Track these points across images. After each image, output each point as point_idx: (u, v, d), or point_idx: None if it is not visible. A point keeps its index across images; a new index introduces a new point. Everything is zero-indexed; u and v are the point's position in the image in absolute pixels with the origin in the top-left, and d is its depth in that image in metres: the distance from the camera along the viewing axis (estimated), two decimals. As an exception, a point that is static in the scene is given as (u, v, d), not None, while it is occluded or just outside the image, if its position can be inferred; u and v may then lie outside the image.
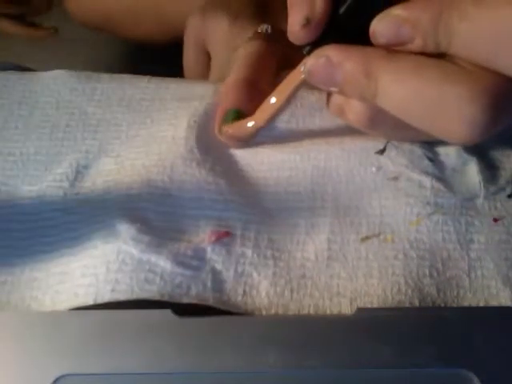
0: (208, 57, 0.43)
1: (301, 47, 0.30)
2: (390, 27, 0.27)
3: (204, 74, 0.45)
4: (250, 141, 0.35)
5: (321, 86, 0.30)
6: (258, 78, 0.36)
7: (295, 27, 0.29)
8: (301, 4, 0.29)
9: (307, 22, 0.29)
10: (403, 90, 0.27)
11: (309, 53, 0.30)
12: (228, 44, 0.39)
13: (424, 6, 0.26)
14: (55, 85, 0.39)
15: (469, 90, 0.26)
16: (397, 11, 0.27)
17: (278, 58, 0.38)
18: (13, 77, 0.40)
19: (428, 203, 0.32)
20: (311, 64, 0.30)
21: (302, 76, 0.31)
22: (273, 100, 0.33)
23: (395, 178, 0.33)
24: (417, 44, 0.27)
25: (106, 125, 0.37)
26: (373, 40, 0.28)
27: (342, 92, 0.30)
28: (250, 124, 0.34)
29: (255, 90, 0.36)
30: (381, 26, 0.28)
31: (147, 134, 0.36)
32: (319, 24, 0.29)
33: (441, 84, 0.26)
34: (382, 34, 0.28)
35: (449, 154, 0.35)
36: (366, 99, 0.29)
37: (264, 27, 0.39)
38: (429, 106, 0.27)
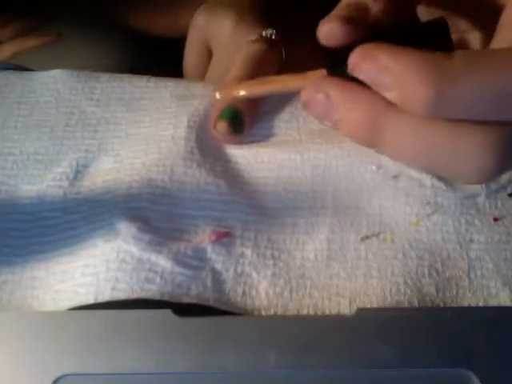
0: (209, 55, 0.43)
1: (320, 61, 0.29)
2: (370, 68, 0.26)
3: (203, 71, 0.45)
4: (242, 137, 0.35)
5: (315, 117, 0.29)
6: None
7: (331, 20, 0.28)
8: (352, 4, 0.28)
9: (347, 21, 0.27)
10: (413, 141, 0.26)
11: (331, 73, 0.29)
12: (231, 44, 0.39)
13: (409, 60, 0.25)
14: (55, 84, 0.39)
15: (480, 138, 0.25)
16: (381, 55, 0.25)
17: (278, 62, 0.38)
18: (12, 76, 0.40)
19: (428, 203, 0.32)
20: (309, 95, 0.29)
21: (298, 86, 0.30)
22: (272, 81, 0.32)
23: (395, 177, 0.33)
24: (393, 98, 0.26)
25: (105, 124, 0.37)
26: (351, 72, 0.27)
27: (336, 128, 0.28)
28: (238, 87, 0.34)
29: None
30: (362, 63, 0.26)
31: (147, 132, 0.36)
32: (359, 27, 0.27)
33: (451, 134, 0.26)
34: (362, 72, 0.26)
35: None
36: (362, 144, 0.28)
37: (269, 32, 0.39)
38: (438, 155, 0.26)
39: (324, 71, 0.29)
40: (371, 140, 0.27)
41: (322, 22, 0.28)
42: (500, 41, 0.26)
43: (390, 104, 0.26)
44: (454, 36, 0.31)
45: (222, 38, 0.40)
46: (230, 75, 0.37)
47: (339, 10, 0.28)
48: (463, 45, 0.33)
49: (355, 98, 0.27)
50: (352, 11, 0.28)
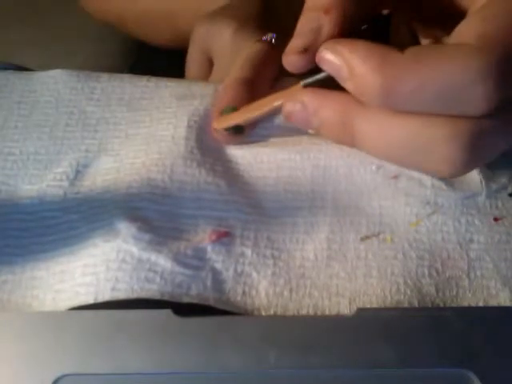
0: (211, 65, 0.43)
1: (299, 76, 0.31)
2: (331, 60, 0.27)
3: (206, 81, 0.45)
4: (243, 137, 0.35)
5: (298, 126, 0.31)
6: (257, 79, 0.36)
7: (290, 53, 0.30)
8: (305, 32, 0.29)
9: (303, 51, 0.29)
10: (381, 136, 0.28)
11: (305, 85, 0.31)
12: (231, 51, 0.40)
13: (363, 52, 0.26)
14: (55, 84, 0.39)
15: (446, 132, 0.26)
16: (340, 48, 0.27)
17: (279, 64, 0.38)
18: (12, 76, 0.40)
19: (428, 203, 0.33)
20: (288, 108, 0.31)
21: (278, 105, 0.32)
22: (260, 105, 0.33)
23: (395, 177, 0.33)
24: (350, 88, 0.27)
25: (105, 124, 0.37)
26: (319, 64, 0.28)
27: (319, 135, 0.30)
28: (230, 118, 0.34)
29: (253, 90, 0.36)
30: (325, 55, 0.28)
31: (147, 132, 0.36)
32: (316, 50, 0.29)
33: (418, 128, 0.27)
34: (325, 63, 0.28)
35: None
36: (343, 144, 0.30)
37: (269, 36, 0.39)
38: (407, 149, 0.28)
39: (299, 85, 0.31)
40: (348, 140, 0.29)
41: (283, 56, 0.30)
42: (453, 37, 0.27)
43: (357, 103, 0.28)
44: (429, 41, 0.32)
45: (223, 47, 0.40)
46: (230, 76, 0.37)
47: (295, 41, 0.30)
48: None
49: (327, 101, 0.29)
50: (307, 37, 0.29)
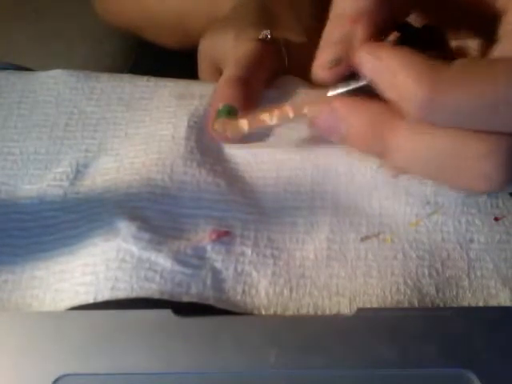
0: (221, 74, 0.43)
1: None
2: (373, 66, 0.26)
3: None
4: (240, 138, 0.35)
5: (323, 135, 0.30)
6: (252, 78, 0.36)
7: (322, 67, 0.29)
8: (334, 45, 0.28)
9: (336, 64, 0.28)
10: (415, 150, 0.27)
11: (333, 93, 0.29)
12: (233, 56, 0.40)
13: (409, 62, 0.25)
14: (55, 84, 0.39)
15: (485, 149, 0.25)
16: (384, 54, 0.26)
17: (274, 60, 0.39)
18: (12, 76, 0.40)
19: (428, 202, 0.33)
20: (314, 113, 0.29)
21: (305, 112, 0.31)
22: (267, 117, 0.33)
23: (396, 176, 0.33)
24: (391, 98, 0.26)
25: (105, 123, 0.37)
26: (357, 68, 0.27)
27: (345, 144, 0.29)
28: (236, 126, 0.34)
29: (248, 88, 0.36)
30: (366, 60, 0.27)
31: (147, 132, 0.36)
32: (348, 68, 0.28)
33: (456, 144, 0.26)
34: (365, 69, 0.27)
35: None
36: (371, 154, 0.29)
37: (264, 33, 0.39)
38: (443, 164, 0.27)
39: (329, 93, 0.30)
40: (377, 151, 0.28)
41: (313, 69, 0.29)
42: (501, 50, 0.26)
43: (393, 114, 0.26)
44: (453, 42, 0.31)
45: (226, 53, 0.40)
46: (225, 74, 0.37)
47: (324, 52, 0.29)
48: (462, 51, 0.33)
49: (360, 110, 0.28)
50: (338, 49, 0.28)
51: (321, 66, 0.29)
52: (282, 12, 0.43)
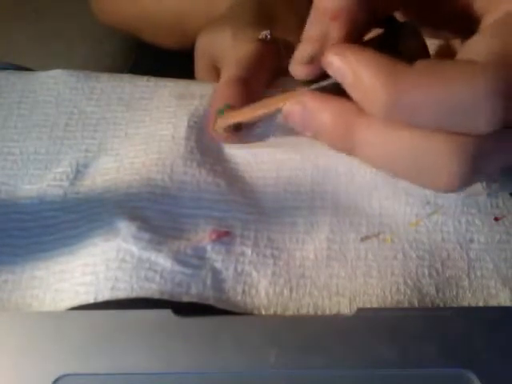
0: (217, 72, 0.43)
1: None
2: (338, 65, 0.27)
3: None
4: (241, 136, 0.35)
5: (296, 129, 0.30)
6: (252, 78, 0.36)
7: (297, 62, 0.29)
8: (311, 42, 0.29)
9: (310, 61, 0.29)
10: (381, 147, 0.27)
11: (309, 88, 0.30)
12: (231, 54, 0.40)
13: (372, 62, 0.26)
14: (55, 84, 0.39)
15: (449, 147, 0.26)
16: (348, 54, 0.26)
17: (274, 61, 0.39)
18: (12, 76, 0.40)
19: (428, 202, 0.33)
20: (287, 108, 0.30)
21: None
22: (263, 105, 0.33)
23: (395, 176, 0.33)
24: (356, 98, 0.27)
25: (105, 123, 0.37)
26: (325, 67, 0.28)
27: (316, 139, 0.29)
28: (232, 116, 0.34)
29: (248, 88, 0.36)
30: (332, 60, 0.27)
31: (146, 132, 0.36)
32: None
33: (420, 142, 0.26)
34: (331, 68, 0.27)
35: None
36: (341, 151, 0.29)
37: (264, 33, 0.39)
38: (407, 162, 0.27)
39: (305, 88, 0.30)
40: (346, 148, 0.28)
41: (290, 65, 0.30)
42: (465, 51, 0.27)
43: (361, 112, 0.27)
44: (438, 41, 0.32)
45: (224, 51, 0.40)
46: (225, 75, 0.37)
47: (301, 48, 0.29)
48: (448, 50, 0.33)
49: (329, 104, 0.28)
50: (313, 45, 0.29)
51: (297, 61, 0.29)
52: (279, 11, 0.43)
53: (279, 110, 0.32)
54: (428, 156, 0.26)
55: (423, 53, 0.29)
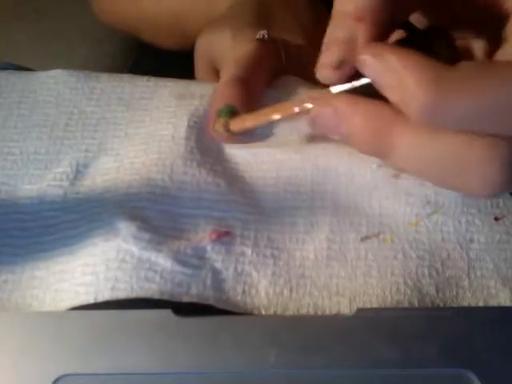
0: (217, 73, 0.43)
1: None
2: (376, 66, 0.26)
3: None
4: (240, 137, 0.35)
5: (323, 132, 0.29)
6: (252, 78, 0.36)
7: (326, 67, 0.28)
8: (338, 44, 0.28)
9: (340, 65, 0.28)
10: (419, 152, 0.26)
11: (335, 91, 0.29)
12: (230, 55, 0.40)
13: (414, 64, 0.25)
14: (55, 84, 0.39)
15: (488, 153, 0.25)
16: (388, 55, 0.26)
17: (273, 60, 0.39)
18: (12, 76, 0.40)
19: (428, 202, 0.33)
20: (316, 111, 0.29)
21: (308, 108, 0.30)
22: (270, 112, 0.33)
23: (396, 175, 0.33)
24: (394, 100, 0.26)
25: (105, 123, 0.37)
26: (359, 67, 0.27)
27: (345, 142, 0.29)
28: (247, 120, 0.34)
29: (248, 88, 0.36)
30: (369, 60, 0.26)
31: (146, 132, 0.36)
32: (353, 68, 0.28)
33: (459, 147, 0.26)
34: (369, 69, 0.27)
35: None
36: (373, 155, 0.28)
37: (261, 33, 0.39)
38: (444, 167, 0.27)
39: (331, 91, 0.29)
40: (379, 151, 0.28)
41: (317, 70, 0.29)
42: (505, 53, 0.26)
43: (397, 115, 0.26)
44: (458, 43, 0.31)
45: (223, 52, 0.40)
46: (224, 75, 0.37)
47: (328, 53, 0.28)
48: (467, 52, 0.33)
49: (363, 110, 0.27)
50: (341, 49, 0.28)
51: (325, 65, 0.28)
52: (279, 12, 0.43)
53: (295, 115, 0.31)
54: (467, 162, 0.26)
55: (457, 54, 0.29)
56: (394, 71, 0.25)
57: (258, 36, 0.39)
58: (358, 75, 0.28)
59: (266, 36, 0.39)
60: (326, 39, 0.29)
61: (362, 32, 0.27)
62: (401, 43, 0.28)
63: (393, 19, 0.28)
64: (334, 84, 0.29)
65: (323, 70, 0.29)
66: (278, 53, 0.39)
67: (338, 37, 0.28)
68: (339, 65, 0.28)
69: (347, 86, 0.29)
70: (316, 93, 0.30)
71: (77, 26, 0.78)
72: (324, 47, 0.29)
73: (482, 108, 0.24)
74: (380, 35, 0.28)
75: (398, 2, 0.28)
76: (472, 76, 0.24)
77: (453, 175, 0.27)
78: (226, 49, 0.40)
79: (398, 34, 0.30)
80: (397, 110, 0.26)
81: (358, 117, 0.27)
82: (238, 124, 0.34)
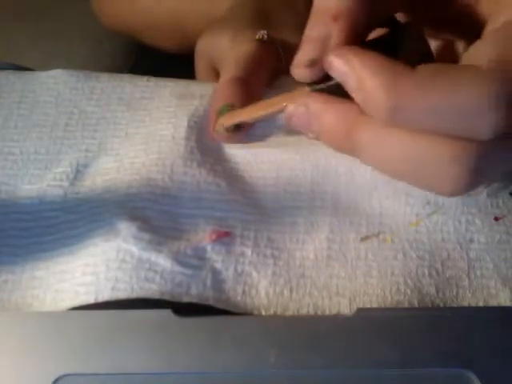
0: (217, 74, 0.43)
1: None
2: (340, 68, 0.27)
3: None
4: (242, 136, 0.35)
5: (299, 130, 0.30)
6: (251, 78, 0.36)
7: (299, 65, 0.29)
8: (312, 43, 0.28)
9: (312, 64, 0.28)
10: (383, 150, 0.27)
11: (312, 89, 0.29)
12: (230, 56, 0.40)
13: (375, 66, 0.25)
14: (55, 84, 0.39)
15: (451, 153, 0.26)
16: (351, 57, 0.26)
17: (272, 61, 0.39)
18: (12, 76, 0.40)
19: (428, 202, 0.33)
20: (290, 110, 0.30)
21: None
22: (266, 105, 0.33)
23: None
24: (358, 101, 0.26)
25: (105, 123, 0.37)
26: (327, 69, 0.27)
27: (319, 140, 0.29)
28: (236, 115, 0.34)
29: (248, 88, 0.36)
30: (334, 62, 0.27)
31: (147, 132, 0.36)
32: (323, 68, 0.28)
33: (422, 147, 0.26)
34: (333, 70, 0.27)
35: None
36: (343, 152, 0.29)
37: (261, 33, 0.39)
38: (409, 166, 0.27)
39: (307, 89, 0.30)
40: (348, 149, 0.28)
41: (291, 67, 0.29)
42: (474, 51, 0.27)
43: (362, 113, 0.27)
44: (439, 43, 0.31)
45: (222, 53, 0.40)
46: (224, 75, 0.37)
47: (302, 51, 0.29)
48: (449, 51, 0.33)
49: (331, 106, 0.28)
50: (315, 48, 0.28)
51: (299, 64, 0.29)
52: (278, 13, 0.43)
53: (282, 110, 0.32)
54: (430, 161, 0.26)
55: (427, 55, 0.29)
56: (356, 73, 0.26)
57: (257, 36, 0.39)
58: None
59: (266, 36, 0.39)
60: (304, 37, 0.29)
61: (336, 32, 0.28)
62: (373, 43, 0.29)
63: (370, 20, 0.29)
64: (309, 82, 0.29)
65: (297, 68, 0.29)
66: (277, 53, 0.39)
67: (314, 36, 0.28)
68: (312, 63, 0.28)
69: (321, 85, 0.29)
70: (295, 91, 0.31)
71: (77, 26, 0.78)
72: (301, 45, 0.29)
73: (438, 110, 0.25)
74: (356, 35, 0.28)
75: (376, 3, 0.28)
76: (431, 78, 0.25)
77: (418, 174, 0.27)
78: (226, 49, 0.40)
79: (375, 32, 0.30)
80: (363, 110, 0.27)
81: (328, 115, 0.28)
82: (227, 119, 0.34)
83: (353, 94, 0.27)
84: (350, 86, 0.26)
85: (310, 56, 0.28)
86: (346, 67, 0.26)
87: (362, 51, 0.26)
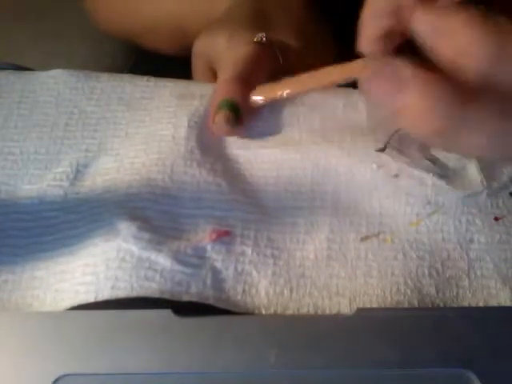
0: (214, 74, 0.43)
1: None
2: (430, 19, 0.25)
3: None
4: (241, 131, 0.35)
5: (375, 101, 0.26)
6: (250, 78, 0.37)
7: (369, 39, 0.27)
8: (385, 13, 0.27)
9: (386, 35, 0.27)
10: (492, 125, 0.25)
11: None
12: (227, 56, 0.40)
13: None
14: (55, 84, 0.39)
15: None
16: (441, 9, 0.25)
17: (270, 62, 0.39)
18: (12, 76, 0.40)
19: (428, 202, 0.33)
20: (375, 71, 0.26)
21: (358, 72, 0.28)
22: (309, 79, 0.32)
23: (396, 175, 0.33)
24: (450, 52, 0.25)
25: (105, 123, 0.37)
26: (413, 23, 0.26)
27: (398, 117, 0.25)
28: (280, 87, 0.34)
29: (247, 86, 0.36)
30: (423, 15, 0.25)
31: (147, 132, 0.36)
32: (401, 35, 0.27)
33: None
34: (423, 23, 0.25)
35: (448, 157, 0.34)
36: (429, 135, 0.25)
37: (259, 36, 0.39)
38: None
39: (365, 59, 0.28)
40: (440, 129, 0.25)
41: (359, 45, 0.28)
42: None
43: (470, 91, 0.24)
44: None
45: (220, 53, 0.40)
46: (224, 74, 0.37)
47: (372, 26, 0.27)
48: None
49: (430, 78, 0.25)
50: (389, 19, 0.27)
51: (369, 37, 0.27)
52: (276, 14, 0.43)
53: (338, 81, 0.30)
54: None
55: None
56: (451, 28, 0.24)
57: (255, 39, 0.39)
58: (400, 51, 0.26)
59: (264, 39, 0.39)
60: (366, 12, 0.27)
61: None
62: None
63: None
64: (378, 56, 0.27)
65: (367, 41, 0.27)
66: (275, 55, 0.39)
67: (384, 6, 0.27)
68: (385, 34, 0.27)
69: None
70: (351, 63, 0.29)
71: (77, 26, 0.78)
72: (366, 19, 0.27)
73: None
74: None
75: None
76: None
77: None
78: (223, 49, 0.40)
79: None
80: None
81: (424, 84, 0.24)
82: (266, 92, 0.34)
83: (441, 52, 0.25)
84: (443, 41, 0.25)
85: (382, 27, 0.27)
86: (439, 23, 0.25)
87: (449, 7, 0.25)
